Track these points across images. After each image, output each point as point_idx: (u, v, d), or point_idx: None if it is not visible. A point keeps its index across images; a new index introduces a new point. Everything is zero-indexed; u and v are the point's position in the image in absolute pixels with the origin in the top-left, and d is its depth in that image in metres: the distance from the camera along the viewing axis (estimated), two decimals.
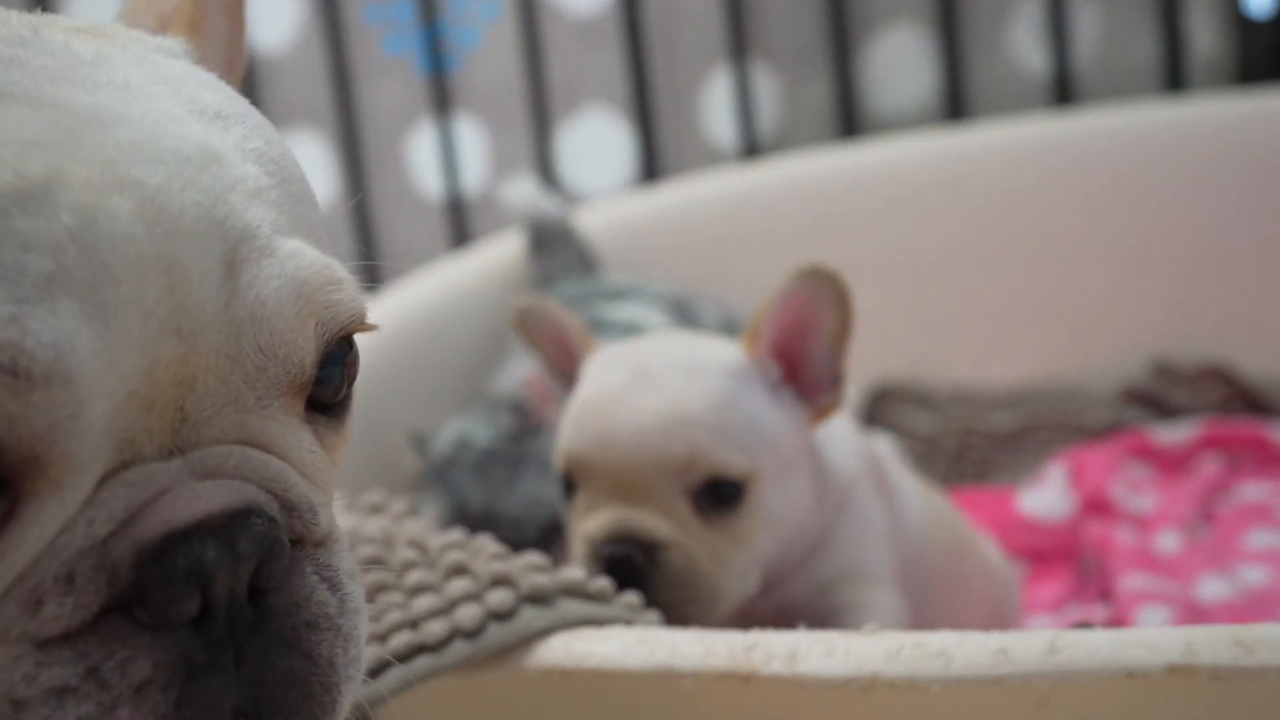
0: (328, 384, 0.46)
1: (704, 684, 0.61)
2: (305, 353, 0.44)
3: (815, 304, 0.78)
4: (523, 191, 1.48)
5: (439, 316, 1.43)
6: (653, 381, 0.77)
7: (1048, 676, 0.57)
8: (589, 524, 0.76)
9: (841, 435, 0.87)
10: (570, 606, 0.66)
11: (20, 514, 0.39)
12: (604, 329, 1.33)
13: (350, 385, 0.49)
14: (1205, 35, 1.73)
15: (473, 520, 1.14)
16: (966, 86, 1.78)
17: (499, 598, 0.65)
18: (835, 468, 0.84)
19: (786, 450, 0.79)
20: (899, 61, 1.80)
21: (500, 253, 1.53)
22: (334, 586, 0.45)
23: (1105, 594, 1.15)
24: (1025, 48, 1.78)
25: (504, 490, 1.14)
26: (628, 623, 0.66)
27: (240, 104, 0.49)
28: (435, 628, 0.63)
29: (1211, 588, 1.14)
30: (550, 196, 1.52)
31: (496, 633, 0.64)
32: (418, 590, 0.65)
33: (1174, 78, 1.72)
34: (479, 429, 1.17)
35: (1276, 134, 1.55)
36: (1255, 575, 1.18)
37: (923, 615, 0.84)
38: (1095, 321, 1.62)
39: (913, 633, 0.61)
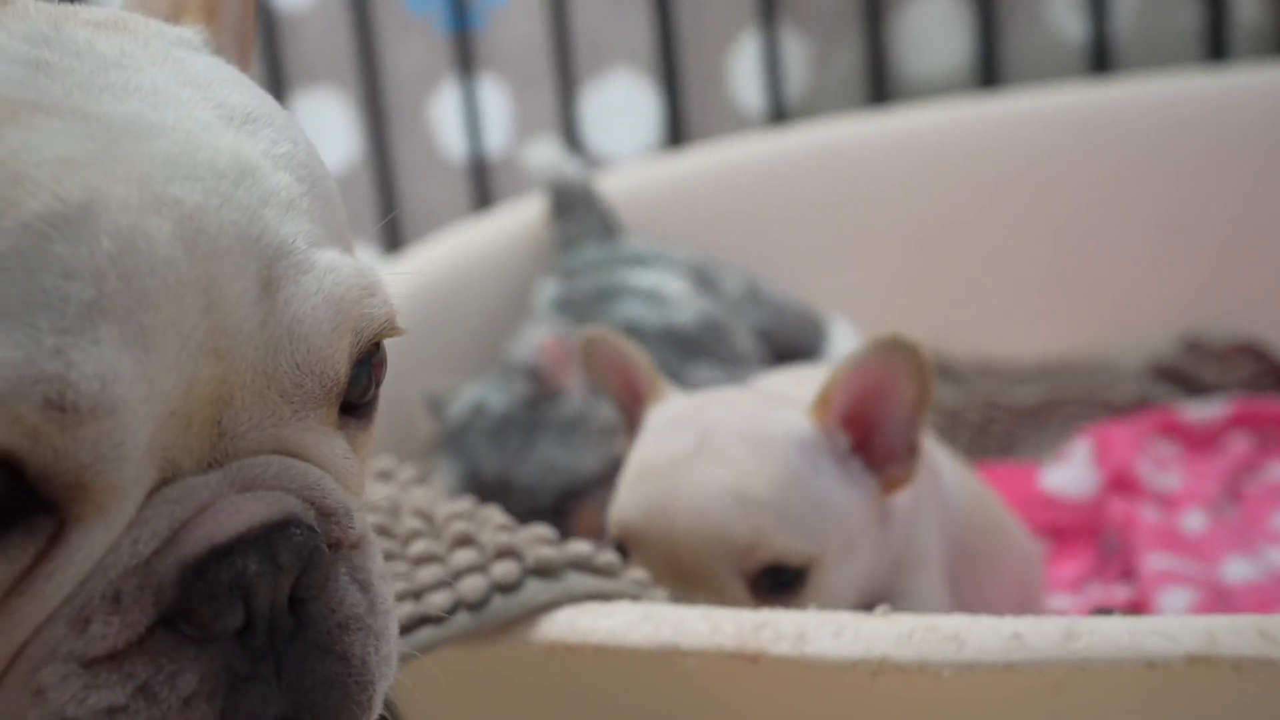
0: (355, 385, 0.47)
1: (709, 662, 0.60)
2: (340, 364, 0.45)
3: (892, 374, 0.74)
4: (544, 154, 1.46)
5: (459, 279, 1.42)
6: (717, 452, 0.73)
7: (1064, 664, 0.56)
8: None
9: None
10: (576, 580, 0.64)
11: (67, 537, 0.39)
12: (624, 295, 1.32)
13: (378, 386, 0.49)
14: (1247, 3, 1.69)
15: (486, 487, 1.13)
16: (1001, 53, 1.75)
17: (504, 570, 0.64)
18: (896, 515, 0.80)
19: (854, 526, 0.75)
20: (932, 26, 1.77)
21: (521, 216, 1.52)
22: (365, 588, 0.45)
23: (1127, 573, 1.13)
24: (1062, 14, 1.74)
25: (518, 457, 1.13)
26: (634, 598, 0.65)
27: (266, 103, 0.48)
28: (439, 599, 0.62)
29: (1237, 569, 1.12)
30: (572, 160, 1.50)
31: (500, 605, 0.63)
32: (422, 560, 0.64)
33: (1215, 46, 1.68)
34: (494, 395, 1.16)
35: None
36: None
37: (956, 596, 0.82)
38: (1125, 296, 1.59)
39: (925, 615, 0.59)
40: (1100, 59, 1.72)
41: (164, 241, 0.40)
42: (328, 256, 0.44)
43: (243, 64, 0.52)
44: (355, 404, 0.48)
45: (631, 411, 0.83)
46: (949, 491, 0.86)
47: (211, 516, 0.41)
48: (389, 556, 0.65)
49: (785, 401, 0.78)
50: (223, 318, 0.41)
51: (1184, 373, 1.52)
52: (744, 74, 1.81)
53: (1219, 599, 1.06)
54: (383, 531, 0.67)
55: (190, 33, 0.50)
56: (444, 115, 1.89)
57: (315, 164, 0.48)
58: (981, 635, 0.57)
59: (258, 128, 0.46)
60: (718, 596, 0.70)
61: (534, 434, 1.13)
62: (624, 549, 0.75)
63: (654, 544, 0.72)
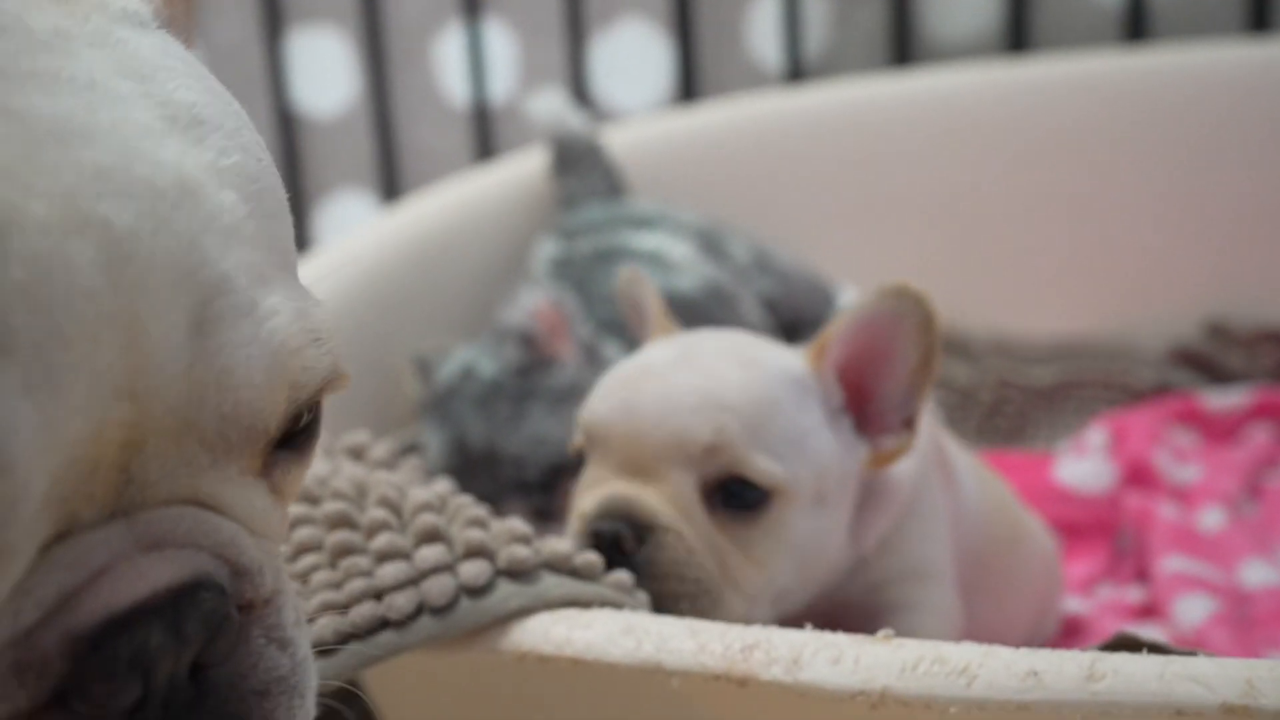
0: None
1: (694, 684, 0.55)
2: (271, 419, 0.41)
3: (896, 329, 0.69)
4: (548, 106, 1.40)
5: (453, 234, 1.36)
6: (697, 362, 0.69)
7: (1083, 707, 0.50)
8: (586, 499, 0.69)
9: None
10: (552, 583, 0.59)
11: None
12: (625, 258, 1.26)
13: (317, 416, 0.44)
14: None
15: (472, 456, 1.08)
16: (1032, 17, 1.67)
17: (473, 570, 0.59)
18: (901, 478, 0.74)
19: (831, 481, 0.69)
20: None
21: (522, 170, 1.45)
22: (283, 645, 0.41)
23: (1141, 573, 1.08)
24: None
25: (507, 427, 1.07)
26: (616, 606, 0.59)
27: (217, 99, 0.43)
28: (401, 600, 0.57)
29: (1256, 573, 1.06)
30: (578, 113, 1.44)
31: (468, 609, 0.58)
32: (386, 556, 0.59)
33: (1258, 16, 1.61)
34: (484, 360, 1.10)
35: None
36: None
37: (970, 609, 0.77)
38: (1148, 276, 1.53)
39: (933, 643, 0.54)
40: (1136, 25, 1.64)
41: (85, 269, 0.35)
42: (271, 300, 0.40)
43: (188, 32, 0.46)
44: (291, 434, 0.43)
45: None
46: (966, 498, 0.80)
47: (110, 581, 0.36)
48: (350, 551, 0.60)
49: (783, 346, 0.74)
50: (144, 358, 0.36)
51: (1206, 359, 1.46)
52: (762, 28, 1.74)
53: (1237, 604, 1.01)
54: (345, 522, 0.61)
55: (139, 3, 0.44)
56: (447, 59, 1.82)
57: (266, 174, 0.44)
58: (994, 670, 0.52)
59: (205, 133, 0.41)
60: (669, 500, 0.66)
61: (524, 403, 1.08)
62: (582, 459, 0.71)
63: (615, 443, 0.68)
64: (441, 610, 0.57)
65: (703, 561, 0.66)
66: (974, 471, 0.83)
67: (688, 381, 0.68)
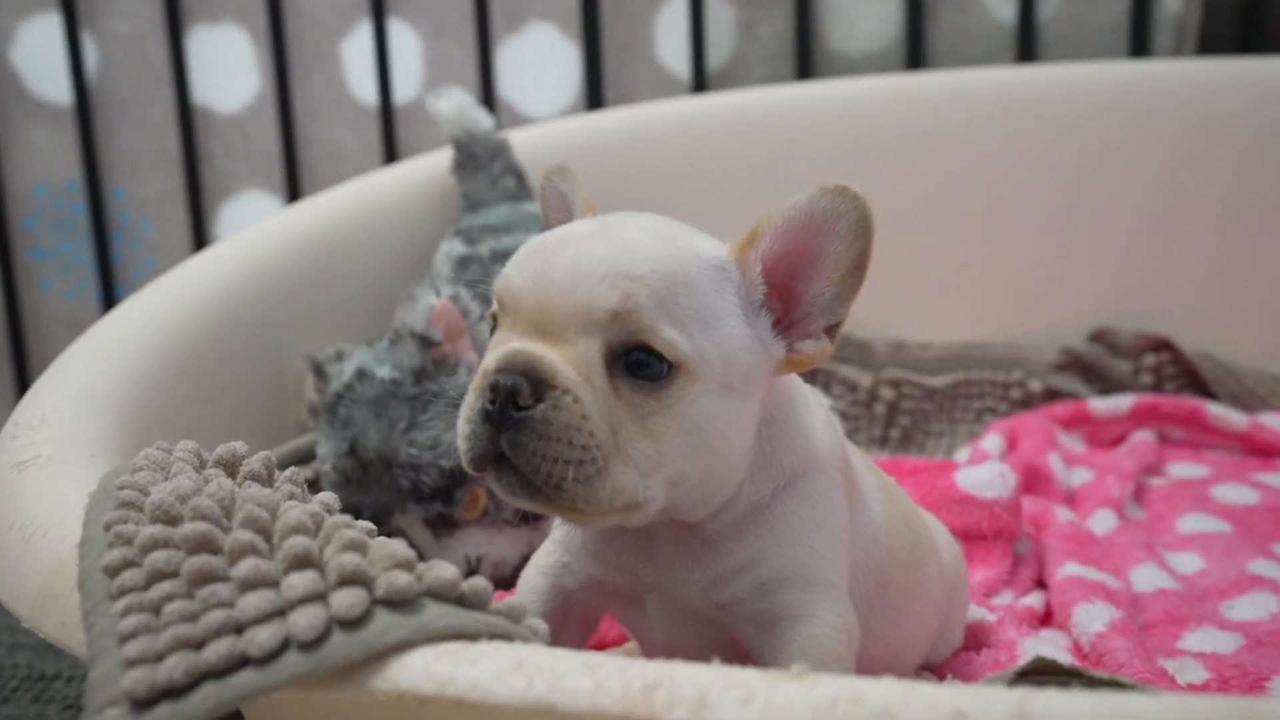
0: None
1: None
2: None
3: (831, 229, 0.63)
4: (453, 103, 1.30)
5: (355, 232, 1.26)
6: (613, 235, 0.63)
7: None
8: (488, 357, 0.62)
9: (817, 415, 0.71)
10: (436, 613, 0.50)
11: None
12: None
13: None
14: None
15: (367, 463, 0.98)
16: (930, 33, 1.62)
17: (348, 599, 0.50)
18: (796, 442, 0.69)
19: (738, 370, 0.64)
20: (862, 3, 1.63)
21: (427, 169, 1.36)
22: None
23: (1040, 580, 1.03)
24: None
25: (403, 433, 0.98)
26: (507, 637, 0.51)
27: None
28: (264, 634, 0.48)
29: (1145, 576, 1.02)
30: (484, 112, 1.34)
31: (340, 644, 0.49)
32: (250, 584, 0.50)
33: (1139, 39, 1.58)
34: (380, 361, 1.00)
35: (1237, 103, 1.41)
36: (1189, 563, 1.07)
37: (868, 628, 0.70)
38: (1039, 285, 1.49)
39: (849, 681, 0.46)
40: (1027, 46, 1.60)
41: None
42: None
43: None
44: None
45: None
46: (870, 514, 0.73)
47: None
48: (211, 578, 0.51)
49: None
50: None
51: (1094, 366, 1.43)
52: (669, 37, 1.66)
53: (1133, 608, 0.96)
54: (207, 545, 0.52)
55: None
56: (354, 58, 1.72)
57: None
58: (918, 711, 0.45)
59: None
60: (571, 361, 0.61)
61: (422, 408, 0.99)
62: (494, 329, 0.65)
63: (524, 309, 0.63)
64: (310, 645, 0.48)
65: (595, 429, 0.60)
66: (877, 487, 0.76)
67: (601, 250, 0.62)
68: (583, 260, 0.61)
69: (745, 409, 0.65)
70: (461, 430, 0.63)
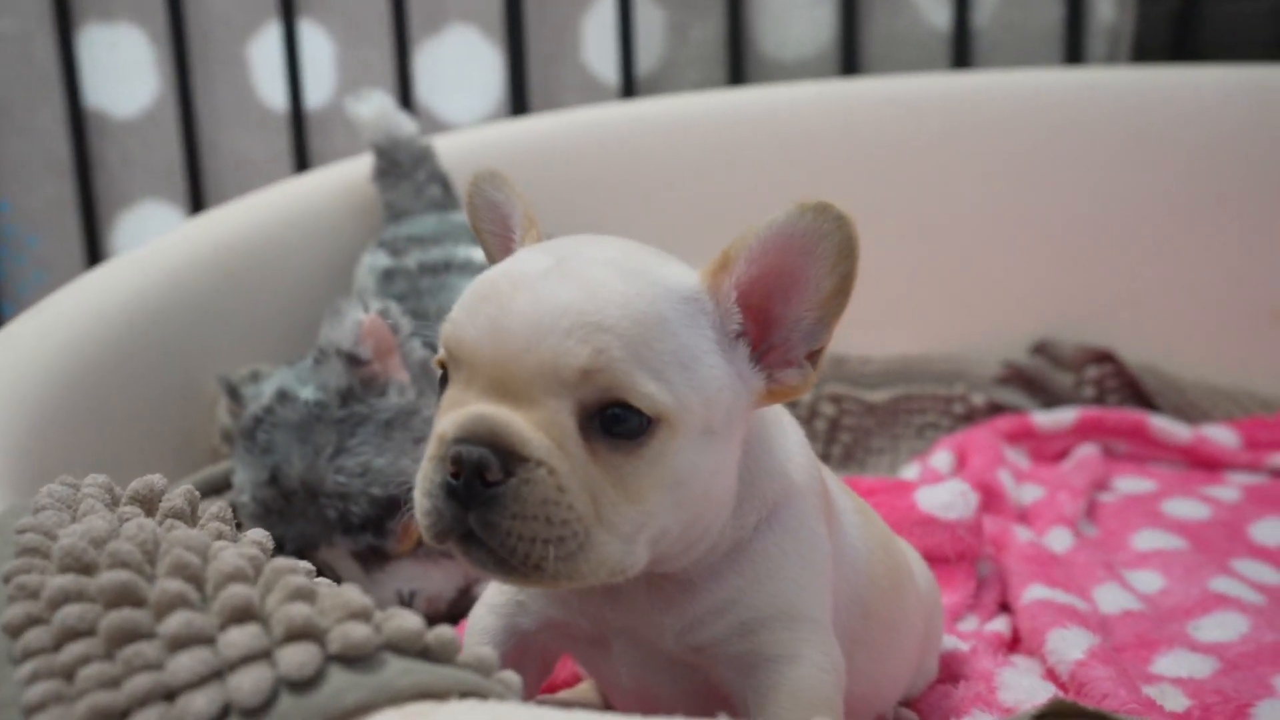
0: None
1: None
2: None
3: (812, 250, 0.58)
4: (373, 107, 1.24)
5: (270, 245, 1.19)
6: (574, 273, 0.57)
7: None
8: (444, 421, 0.56)
9: (793, 438, 0.67)
10: (398, 669, 0.45)
11: None
12: (460, 271, 1.11)
13: None
14: (1106, 6, 1.58)
15: (290, 492, 0.91)
16: (864, 38, 1.60)
17: (297, 656, 0.44)
18: (776, 469, 0.64)
19: (719, 411, 0.58)
20: (795, 6, 1.61)
21: (345, 177, 1.29)
22: None
23: (1003, 603, 1.00)
24: (928, 5, 1.60)
25: (330, 458, 0.91)
26: (479, 695, 0.45)
27: None
28: (200, 701, 0.42)
29: (1110, 597, 1.00)
30: (407, 117, 1.28)
31: (291, 709, 0.43)
32: (181, 642, 0.44)
33: (1073, 47, 1.57)
34: (303, 382, 0.94)
35: (1173, 112, 1.42)
36: (1150, 581, 1.05)
37: (851, 664, 0.65)
38: (980, 298, 1.47)
39: None
40: (961, 52, 1.59)
41: None
42: None
43: None
44: None
45: None
46: (848, 540, 0.69)
47: None
48: (134, 636, 0.44)
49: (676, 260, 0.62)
50: None
51: (1036, 379, 1.41)
52: (596, 42, 1.62)
53: (1102, 631, 0.93)
54: (128, 597, 0.45)
55: None
56: (261, 61, 1.64)
57: None
58: None
59: None
60: (541, 426, 0.55)
61: (350, 431, 0.92)
62: (446, 378, 0.59)
63: (481, 366, 0.56)
64: (255, 712, 0.42)
65: (574, 501, 0.54)
66: (854, 510, 0.72)
67: (563, 296, 0.56)
68: (544, 308, 0.55)
69: (728, 450, 0.60)
70: (421, 504, 0.56)
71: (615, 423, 0.56)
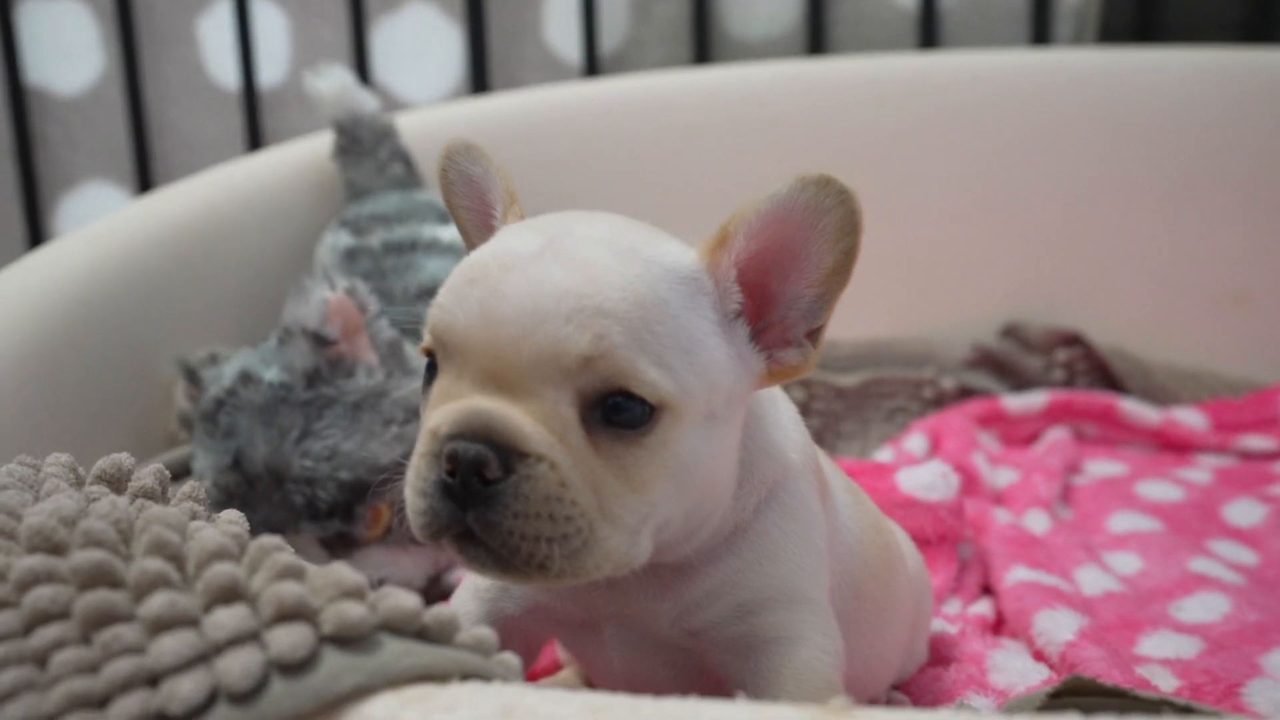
0: None
1: None
2: None
3: (814, 225, 0.56)
4: (334, 83, 1.21)
5: (227, 224, 1.15)
6: (568, 254, 0.54)
7: None
8: (437, 415, 0.53)
9: (787, 415, 0.65)
10: (396, 650, 0.42)
11: None
12: (425, 250, 1.09)
13: None
14: None
15: (253, 478, 0.88)
16: (830, 19, 1.59)
17: (289, 638, 0.41)
18: (773, 448, 0.62)
19: (721, 395, 0.57)
20: None
21: (304, 155, 1.26)
22: None
23: (985, 586, 0.99)
24: None
25: (295, 441, 0.88)
26: (481, 677, 0.43)
27: None
28: (186, 686, 0.39)
29: (1092, 579, 0.99)
30: (369, 95, 1.25)
31: (284, 693, 0.40)
32: (164, 624, 0.41)
33: (1039, 27, 1.57)
34: (267, 363, 0.91)
35: (1139, 93, 1.42)
36: (1128, 563, 1.05)
37: (846, 646, 0.64)
38: (949, 280, 1.46)
39: (907, 713, 0.40)
40: (929, 32, 1.58)
41: None
42: None
43: None
44: None
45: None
46: (842, 519, 0.67)
47: None
48: (111, 619, 0.42)
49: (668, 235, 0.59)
50: None
51: (1006, 362, 1.41)
52: (558, 20, 1.59)
53: (1086, 612, 0.93)
54: (104, 578, 0.43)
55: None
56: (211, 37, 1.59)
57: None
58: None
59: None
60: (540, 419, 0.52)
61: (316, 413, 0.89)
62: (434, 367, 0.56)
63: (474, 354, 0.54)
64: (245, 696, 0.40)
65: (577, 496, 0.52)
66: (846, 489, 0.70)
67: (559, 279, 0.53)
68: (540, 292, 0.53)
69: (729, 434, 0.58)
70: (414, 503, 0.54)
71: (616, 412, 0.54)
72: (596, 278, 0.54)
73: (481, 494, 0.52)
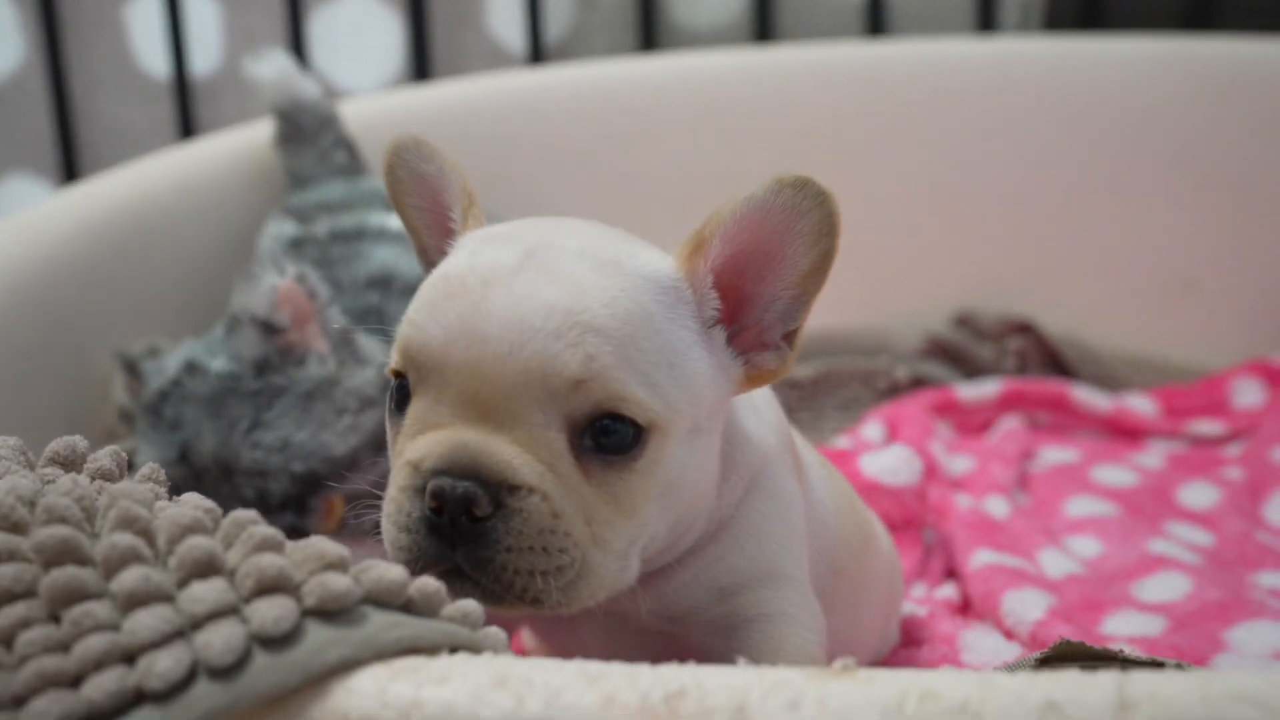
0: None
1: None
2: None
3: (789, 227, 0.55)
4: (275, 69, 1.19)
5: (163, 213, 1.12)
6: (548, 267, 0.53)
7: None
8: (418, 446, 0.52)
9: (761, 400, 0.65)
10: (382, 623, 0.41)
11: None
12: (373, 239, 1.07)
13: None
14: None
15: (201, 470, 0.86)
16: (777, 6, 1.60)
17: (271, 610, 0.40)
18: (752, 439, 0.62)
19: (704, 408, 0.56)
20: None
21: (243, 142, 1.23)
22: None
23: (950, 570, 1.00)
24: None
25: (244, 434, 0.86)
26: (471, 649, 0.42)
27: None
28: (165, 662, 0.38)
29: (1052, 562, 1.00)
30: (311, 81, 1.23)
31: (267, 667, 0.39)
32: (138, 599, 0.40)
33: (986, 16, 1.59)
34: (213, 353, 0.89)
35: (1085, 82, 1.44)
36: (1087, 546, 1.06)
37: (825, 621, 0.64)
38: (900, 269, 1.48)
39: (911, 674, 0.40)
40: (875, 20, 1.59)
41: None
42: None
43: None
44: None
45: (436, 252, 0.61)
46: (817, 496, 0.67)
47: None
48: (81, 596, 0.40)
49: (640, 241, 0.59)
50: None
51: (958, 351, 1.43)
52: (502, 8, 1.58)
53: (1051, 593, 0.94)
54: (70, 554, 0.41)
55: None
56: (139, 24, 1.56)
57: None
58: (1001, 704, 0.39)
59: None
60: (528, 448, 0.51)
61: (266, 404, 0.87)
62: (406, 391, 0.54)
63: (453, 375, 0.52)
64: (227, 671, 0.39)
65: (570, 527, 0.51)
66: (820, 464, 0.71)
67: (544, 294, 0.52)
68: (525, 308, 0.51)
69: (712, 443, 0.58)
70: (395, 538, 0.52)
71: (604, 434, 0.53)
72: (584, 292, 0.52)
73: (470, 531, 0.51)
